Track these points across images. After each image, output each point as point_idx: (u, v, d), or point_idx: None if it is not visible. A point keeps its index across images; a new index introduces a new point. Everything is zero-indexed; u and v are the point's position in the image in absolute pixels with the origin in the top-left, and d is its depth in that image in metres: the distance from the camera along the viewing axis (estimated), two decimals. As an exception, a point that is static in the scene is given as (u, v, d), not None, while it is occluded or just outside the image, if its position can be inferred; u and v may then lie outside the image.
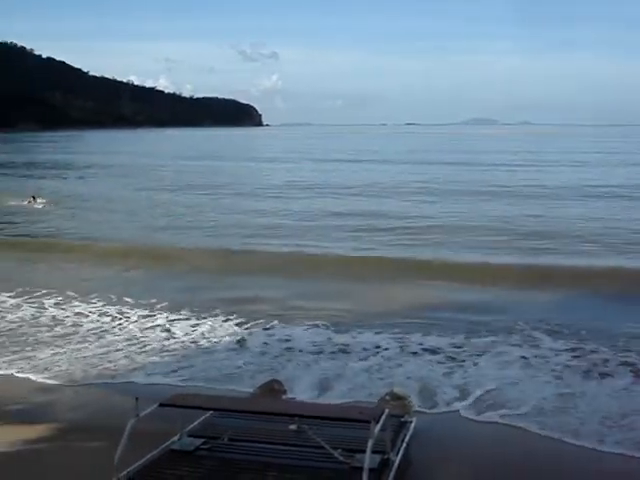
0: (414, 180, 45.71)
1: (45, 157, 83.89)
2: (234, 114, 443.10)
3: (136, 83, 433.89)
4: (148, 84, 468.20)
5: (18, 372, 11.41)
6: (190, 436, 7.19)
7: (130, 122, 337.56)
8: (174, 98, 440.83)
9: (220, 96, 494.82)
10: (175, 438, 7.11)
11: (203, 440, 7.07)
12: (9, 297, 16.26)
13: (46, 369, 11.57)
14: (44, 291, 16.66)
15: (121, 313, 14.91)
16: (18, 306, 15.56)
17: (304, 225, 26.98)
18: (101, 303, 15.75)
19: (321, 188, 41.26)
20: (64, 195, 39.37)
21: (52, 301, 15.90)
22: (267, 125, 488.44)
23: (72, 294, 16.41)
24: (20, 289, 16.79)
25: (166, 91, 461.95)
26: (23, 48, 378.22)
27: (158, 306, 15.37)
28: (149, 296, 16.13)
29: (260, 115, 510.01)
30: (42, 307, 15.46)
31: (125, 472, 6.24)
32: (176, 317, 14.52)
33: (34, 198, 35.34)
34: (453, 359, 11.68)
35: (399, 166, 60.14)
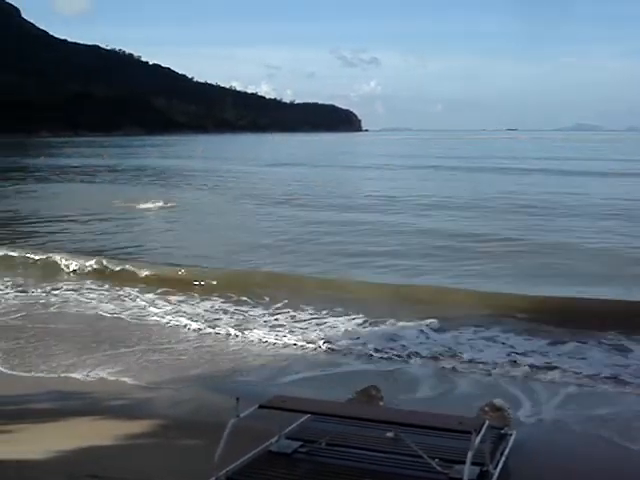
0: (528, 192, 40.72)
1: (154, 162, 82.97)
2: (333, 119, 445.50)
3: (238, 89, 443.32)
4: (250, 90, 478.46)
5: (125, 369, 11.73)
6: (288, 438, 7.19)
7: (232, 127, 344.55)
8: (275, 103, 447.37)
9: (320, 101, 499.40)
10: (273, 440, 7.12)
11: (301, 443, 7.05)
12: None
13: (151, 365, 11.91)
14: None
15: (238, 311, 15.32)
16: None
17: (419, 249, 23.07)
18: (220, 300, 16.27)
19: (431, 198, 37.73)
20: (184, 202, 38.37)
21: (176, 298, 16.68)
22: (366, 130, 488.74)
23: (195, 294, 17.06)
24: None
25: (267, 96, 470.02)
26: (131, 55, 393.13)
27: (277, 305, 15.70)
28: (267, 295, 16.48)
29: (360, 120, 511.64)
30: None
31: (224, 471, 6.28)
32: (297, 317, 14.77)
33: (163, 202, 35.33)
34: (545, 366, 11.48)
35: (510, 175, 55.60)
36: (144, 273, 18.94)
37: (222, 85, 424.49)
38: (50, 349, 12.80)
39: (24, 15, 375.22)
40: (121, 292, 17.31)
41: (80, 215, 32.89)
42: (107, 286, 17.89)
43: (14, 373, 11.53)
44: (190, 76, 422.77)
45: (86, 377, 11.29)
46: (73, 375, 11.39)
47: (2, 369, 11.73)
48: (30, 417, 9.49)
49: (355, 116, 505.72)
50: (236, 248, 23.60)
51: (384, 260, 21.22)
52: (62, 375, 11.42)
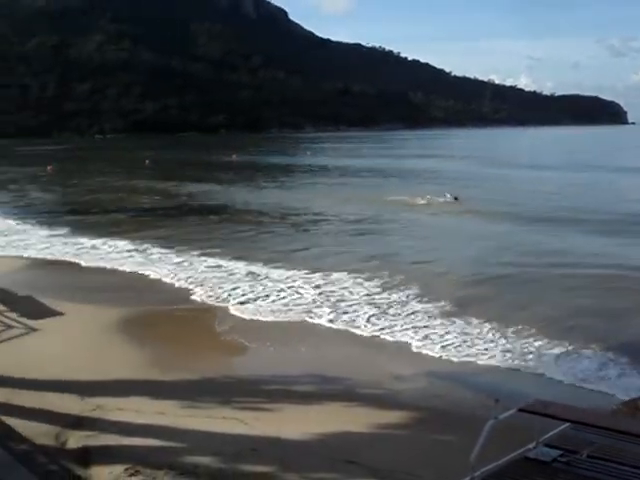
0: None
1: (416, 162, 71.89)
2: (596, 112, 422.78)
3: (496, 82, 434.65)
4: (508, 83, 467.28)
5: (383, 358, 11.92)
6: (547, 445, 6.84)
7: (489, 121, 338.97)
8: (534, 96, 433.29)
9: (582, 93, 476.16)
10: (531, 446, 6.81)
11: (560, 452, 6.68)
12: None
13: (406, 356, 12.03)
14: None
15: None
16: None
17: None
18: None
19: None
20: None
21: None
22: (632, 123, 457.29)
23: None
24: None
25: (526, 89, 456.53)
26: (390, 51, 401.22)
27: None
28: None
29: (625, 112, 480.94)
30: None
31: (479, 472, 6.09)
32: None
33: (455, 198, 34.64)
34: None
35: None
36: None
37: (480, 79, 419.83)
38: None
39: (291, 17, 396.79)
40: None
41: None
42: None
43: (281, 357, 12.18)
44: (448, 70, 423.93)
45: (344, 363, 11.64)
46: (332, 359, 11.80)
47: (270, 351, 12.46)
48: (292, 398, 9.99)
49: (620, 108, 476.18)
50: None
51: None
52: (322, 358, 11.87)
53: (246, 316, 14.78)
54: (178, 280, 18.33)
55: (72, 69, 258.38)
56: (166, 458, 7.82)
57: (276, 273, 18.82)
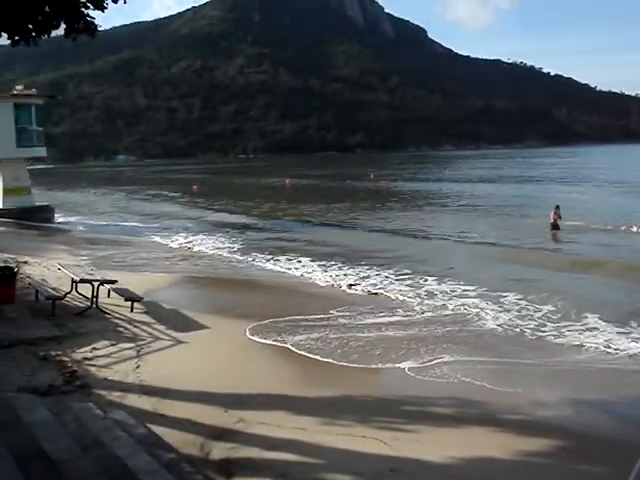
0: None
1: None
2: None
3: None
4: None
5: (527, 383, 11.63)
6: None
7: (639, 137, 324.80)
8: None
9: None
10: None
11: None
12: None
13: (551, 383, 11.67)
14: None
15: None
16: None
17: None
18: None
19: None
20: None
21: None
22: None
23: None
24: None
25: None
26: (532, 67, 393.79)
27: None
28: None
29: None
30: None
31: None
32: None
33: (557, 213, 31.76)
34: None
35: None
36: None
37: (628, 93, 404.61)
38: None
39: (430, 35, 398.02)
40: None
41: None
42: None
43: (419, 377, 12.09)
44: (593, 85, 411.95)
45: (484, 387, 11.42)
46: (473, 383, 11.60)
47: (408, 371, 12.40)
48: (430, 420, 9.89)
49: None
50: None
51: None
52: (461, 381, 11.69)
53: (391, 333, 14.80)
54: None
55: (216, 91, 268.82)
56: (306, 474, 7.92)
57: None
